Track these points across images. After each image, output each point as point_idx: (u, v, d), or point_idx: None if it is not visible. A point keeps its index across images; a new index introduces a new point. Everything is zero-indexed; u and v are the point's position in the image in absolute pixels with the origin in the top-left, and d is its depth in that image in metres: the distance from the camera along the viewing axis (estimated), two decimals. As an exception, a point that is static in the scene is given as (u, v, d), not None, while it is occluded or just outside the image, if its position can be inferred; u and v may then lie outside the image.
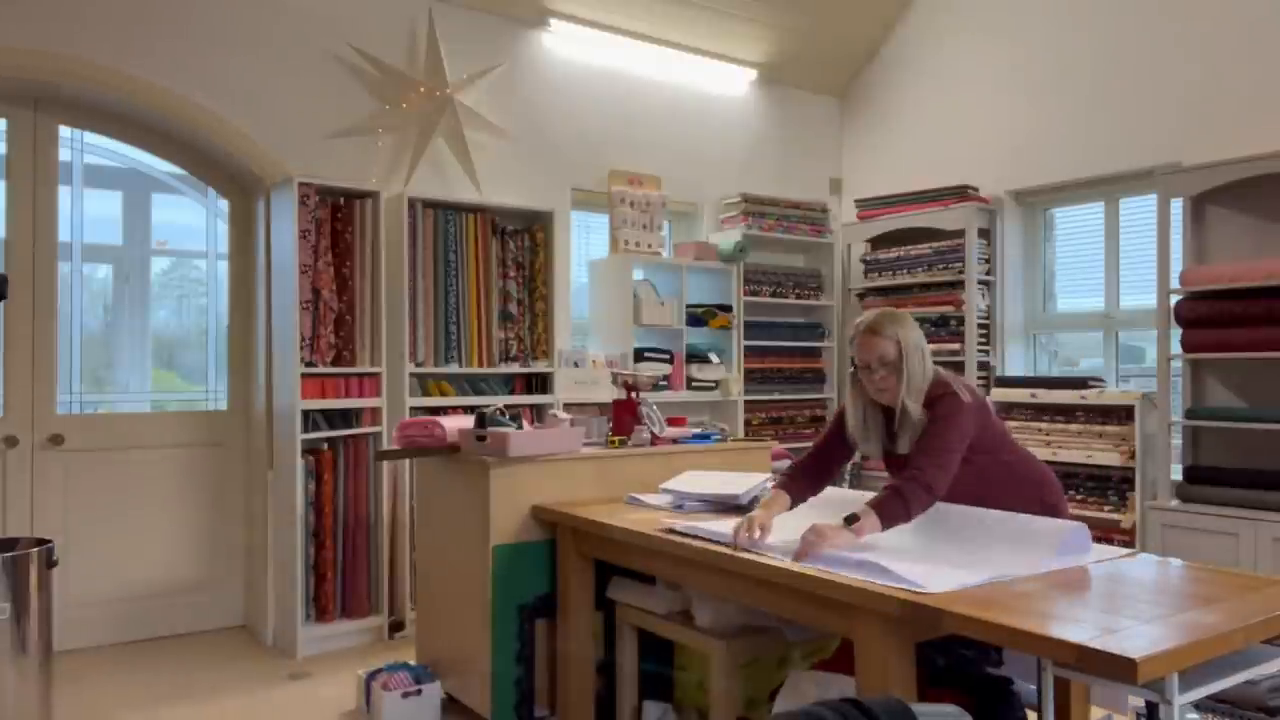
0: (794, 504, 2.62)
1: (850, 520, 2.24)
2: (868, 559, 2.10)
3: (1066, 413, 4.70)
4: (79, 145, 4.21)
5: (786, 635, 2.70)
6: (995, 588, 1.95)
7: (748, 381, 5.62)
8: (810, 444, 5.65)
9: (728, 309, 5.51)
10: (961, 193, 5.32)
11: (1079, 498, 4.59)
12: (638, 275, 5.27)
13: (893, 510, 2.27)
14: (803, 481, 2.67)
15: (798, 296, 5.88)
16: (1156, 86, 4.68)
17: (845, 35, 5.94)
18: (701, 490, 3.02)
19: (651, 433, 3.53)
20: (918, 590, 1.90)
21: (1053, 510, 2.56)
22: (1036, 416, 4.78)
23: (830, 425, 2.77)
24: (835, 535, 2.21)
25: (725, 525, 2.52)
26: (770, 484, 3.02)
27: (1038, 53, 5.21)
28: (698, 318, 5.45)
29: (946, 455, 2.36)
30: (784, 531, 2.38)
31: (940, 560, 2.16)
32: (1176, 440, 4.35)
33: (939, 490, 2.32)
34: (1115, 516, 4.46)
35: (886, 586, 1.94)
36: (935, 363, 2.61)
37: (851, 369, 2.59)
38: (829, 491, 2.77)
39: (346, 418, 4.26)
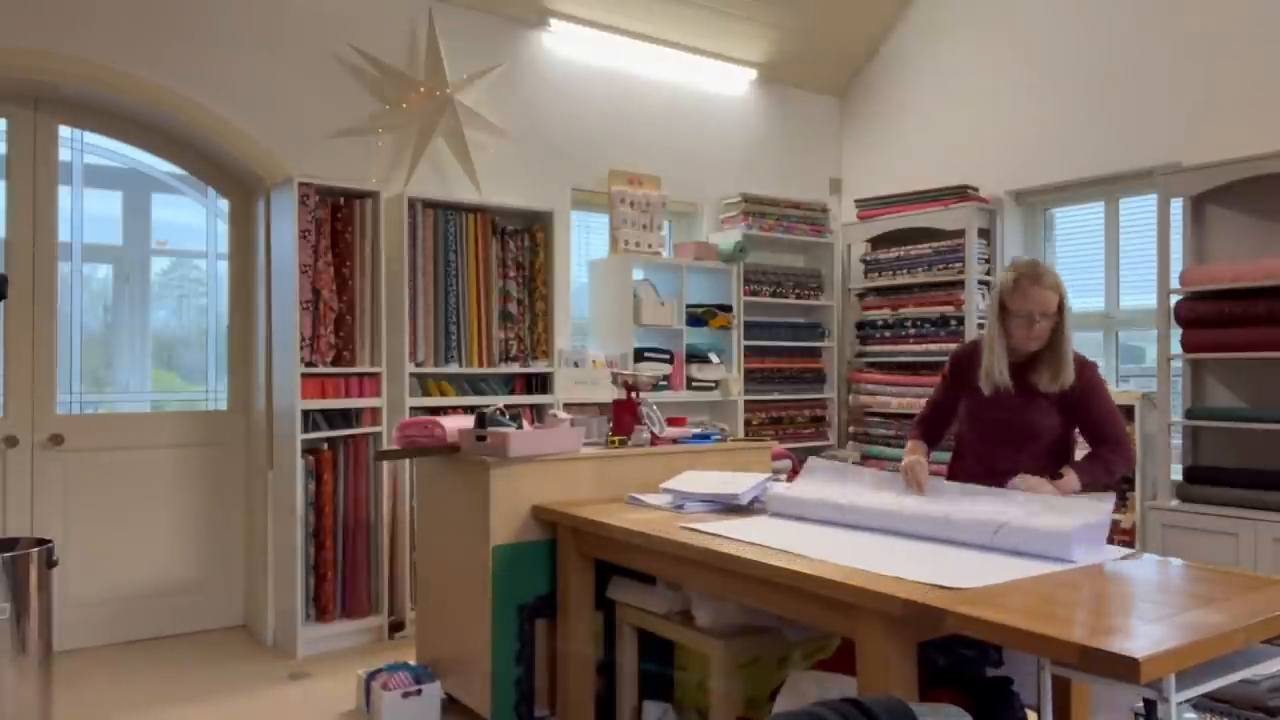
0: (929, 451, 2.90)
1: (1056, 476, 2.58)
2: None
3: (1066, 413, 4.69)
4: (79, 145, 4.21)
5: (786, 635, 2.70)
6: (996, 588, 1.94)
7: (748, 381, 5.62)
8: (809, 444, 5.60)
9: (728, 309, 5.51)
10: (961, 193, 5.32)
11: (1079, 498, 4.58)
12: (638, 275, 5.27)
13: (1096, 472, 2.63)
14: (930, 431, 2.99)
15: (798, 296, 5.88)
16: (1156, 86, 4.68)
17: (845, 35, 5.94)
18: (701, 490, 3.02)
19: (651, 433, 3.53)
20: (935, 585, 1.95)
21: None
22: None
23: (945, 378, 2.97)
24: (1042, 485, 2.51)
25: (739, 527, 2.52)
26: (770, 483, 3.03)
27: (1038, 53, 5.21)
28: (698, 318, 5.45)
29: (1120, 416, 2.74)
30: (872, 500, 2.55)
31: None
32: (1176, 440, 4.35)
33: (1132, 454, 2.78)
34: (1115, 516, 4.46)
35: (888, 587, 1.94)
36: (937, 363, 2.70)
37: (1004, 312, 2.76)
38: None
39: (346, 418, 4.26)
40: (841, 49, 6.04)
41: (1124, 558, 2.24)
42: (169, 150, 4.37)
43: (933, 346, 5.38)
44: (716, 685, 2.61)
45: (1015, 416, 2.75)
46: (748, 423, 5.61)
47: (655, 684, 3.13)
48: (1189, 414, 4.26)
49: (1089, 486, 2.59)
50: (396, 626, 4.32)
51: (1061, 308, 2.72)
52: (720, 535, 2.54)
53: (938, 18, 5.74)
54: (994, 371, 2.77)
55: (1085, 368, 2.73)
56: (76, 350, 4.22)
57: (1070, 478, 2.59)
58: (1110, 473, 2.63)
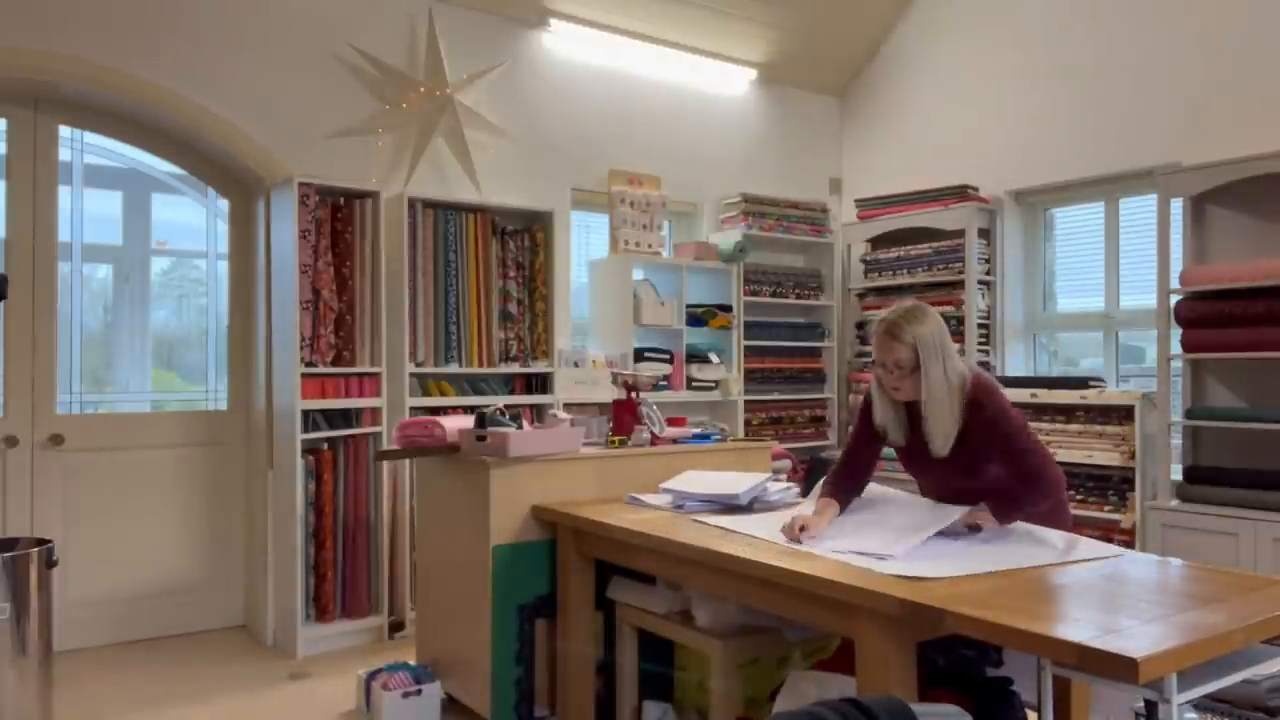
0: (842, 510, 2.65)
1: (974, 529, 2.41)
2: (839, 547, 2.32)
3: (1066, 413, 4.70)
4: (79, 145, 4.21)
5: (786, 635, 2.70)
6: (996, 588, 1.95)
7: (748, 381, 5.62)
8: (809, 444, 5.59)
9: (728, 309, 5.51)
10: (961, 193, 5.32)
11: (1079, 498, 4.59)
12: (638, 275, 5.27)
13: (1006, 512, 2.42)
14: (843, 486, 2.70)
15: (798, 296, 5.88)
16: (1156, 86, 4.68)
17: (845, 35, 5.94)
18: (701, 490, 3.02)
19: (651, 433, 3.53)
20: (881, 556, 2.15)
21: (1061, 505, 2.61)
22: (1036, 416, 4.78)
23: (856, 424, 2.77)
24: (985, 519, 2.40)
25: (744, 522, 2.56)
26: (769, 482, 3.03)
27: (1038, 53, 5.21)
28: (698, 318, 5.45)
29: (1034, 444, 2.45)
30: (845, 538, 2.42)
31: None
32: (1176, 440, 4.35)
33: (1056, 477, 2.43)
34: (1115, 516, 4.46)
35: (887, 586, 1.95)
36: None
37: (872, 361, 2.59)
38: (871, 488, 2.82)
39: (346, 418, 4.26)
40: (841, 49, 6.04)
41: (1123, 558, 2.24)
42: (169, 150, 4.37)
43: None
44: (716, 685, 2.61)
45: (939, 462, 2.54)
46: (748, 423, 5.61)
47: (655, 684, 3.13)
48: (1189, 414, 4.26)
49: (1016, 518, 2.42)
50: (396, 626, 4.32)
51: (919, 363, 2.44)
52: (725, 528, 2.56)
53: (938, 18, 5.74)
54: (881, 424, 2.62)
55: (972, 405, 2.45)
56: (76, 350, 4.22)
57: (985, 519, 2.40)
58: (1020, 509, 2.40)
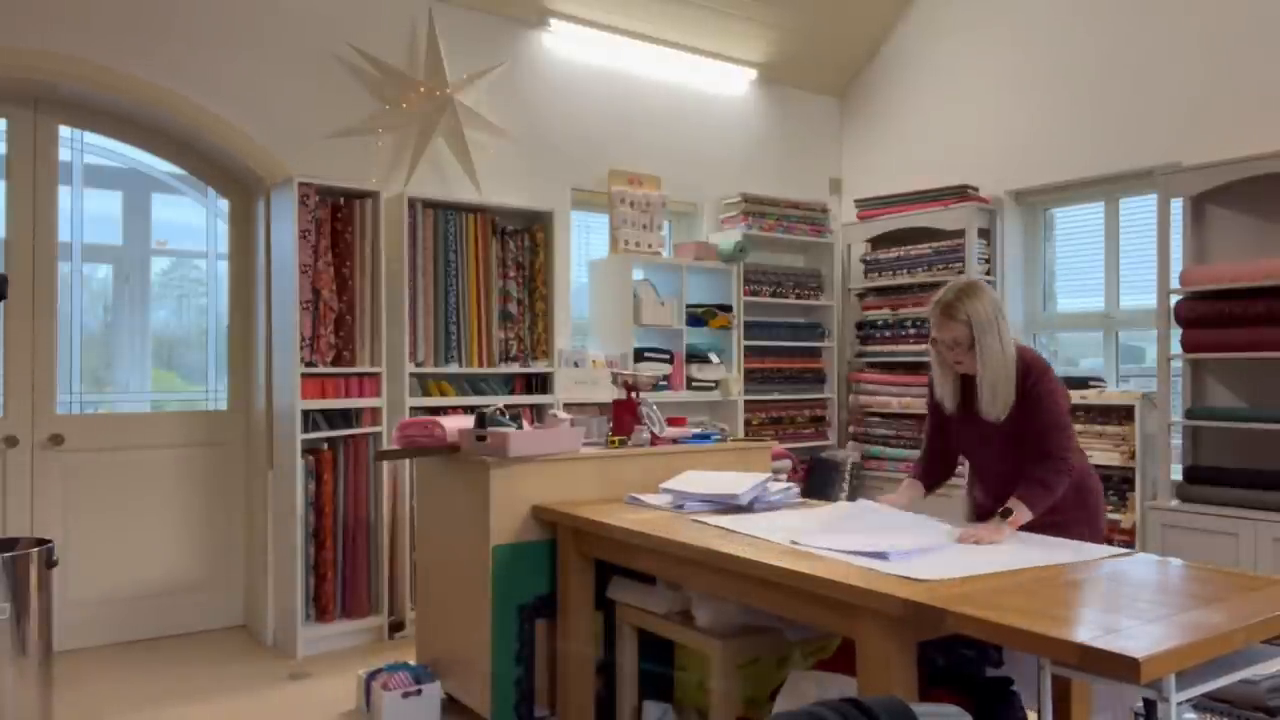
0: (927, 492, 2.85)
1: (1005, 514, 2.46)
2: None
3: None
4: (79, 145, 4.21)
5: (786, 635, 2.70)
6: (997, 588, 1.94)
7: (748, 381, 5.62)
8: (809, 444, 5.60)
9: (728, 309, 5.51)
10: (961, 193, 5.32)
11: (1079, 498, 4.58)
12: (638, 275, 5.27)
13: (1038, 497, 2.48)
14: (929, 469, 2.88)
15: (798, 296, 5.88)
16: (1156, 86, 4.68)
17: (845, 35, 5.94)
18: (701, 490, 3.02)
19: (651, 433, 3.53)
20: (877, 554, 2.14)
21: (1095, 512, 2.71)
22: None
23: (929, 410, 2.89)
24: (993, 532, 2.41)
25: (743, 521, 2.52)
26: (770, 482, 3.03)
27: (1038, 53, 5.21)
28: (698, 318, 5.45)
29: (1068, 431, 2.57)
30: (836, 536, 2.43)
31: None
32: (1176, 440, 4.35)
33: (1073, 464, 2.54)
34: (1115, 516, 4.46)
35: (888, 586, 1.95)
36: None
37: (930, 339, 2.71)
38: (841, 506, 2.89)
39: (346, 418, 4.26)
40: (841, 49, 6.04)
41: (1123, 557, 2.24)
42: (169, 150, 4.37)
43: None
44: (716, 685, 2.61)
45: (990, 431, 2.66)
46: (748, 423, 5.61)
47: (655, 684, 3.13)
48: (1189, 414, 4.26)
49: (1039, 510, 2.49)
50: (396, 626, 4.32)
51: (975, 339, 2.57)
52: (725, 528, 2.56)
53: (938, 18, 5.74)
54: (940, 397, 2.75)
55: (1028, 375, 2.59)
56: (76, 350, 4.22)
57: (1020, 512, 2.47)
58: (1051, 492, 2.50)
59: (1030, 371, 2.59)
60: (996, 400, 2.58)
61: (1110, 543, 2.44)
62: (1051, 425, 2.55)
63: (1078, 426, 4.64)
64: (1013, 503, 2.48)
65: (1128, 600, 1.85)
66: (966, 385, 2.70)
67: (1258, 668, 1.83)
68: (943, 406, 2.76)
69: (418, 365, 4.41)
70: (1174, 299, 4.26)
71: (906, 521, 2.61)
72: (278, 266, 4.21)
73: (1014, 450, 2.63)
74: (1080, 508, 2.66)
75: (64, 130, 4.15)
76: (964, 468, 2.92)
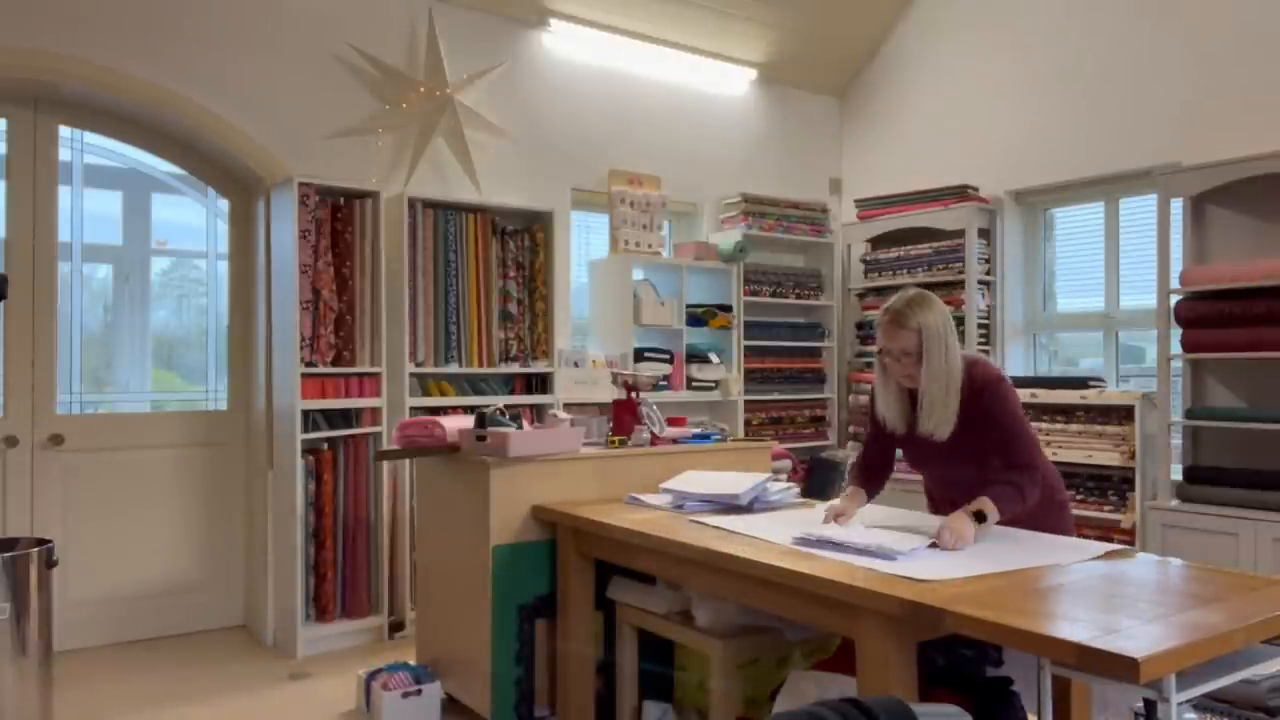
0: (868, 498, 2.78)
1: (980, 517, 2.37)
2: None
3: (1067, 413, 4.70)
4: (79, 145, 4.21)
5: (786, 635, 2.70)
6: (996, 588, 1.95)
7: (748, 381, 5.62)
8: (809, 444, 5.60)
9: (728, 309, 5.51)
10: (961, 193, 5.32)
11: (1079, 498, 4.59)
12: (638, 275, 5.27)
13: (1009, 499, 2.41)
14: (865, 477, 2.80)
15: (798, 296, 5.88)
16: (1156, 86, 4.68)
17: (845, 35, 5.94)
18: (701, 490, 3.02)
19: (651, 433, 3.53)
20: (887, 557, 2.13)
21: (1061, 507, 2.66)
22: (1037, 416, 4.78)
23: (869, 420, 2.81)
24: (963, 526, 2.33)
25: (741, 522, 2.52)
26: (769, 482, 3.03)
27: (1038, 53, 5.21)
28: (698, 318, 5.45)
29: (1030, 439, 2.51)
30: (857, 532, 2.44)
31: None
32: (1176, 440, 4.35)
33: (1043, 472, 2.51)
34: (1115, 516, 4.46)
35: (888, 587, 1.95)
36: None
37: (877, 350, 2.61)
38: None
39: (346, 418, 4.26)
40: (841, 49, 6.04)
41: (1123, 557, 2.24)
42: (169, 150, 4.37)
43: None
44: (716, 685, 2.61)
45: (939, 450, 2.57)
46: (748, 423, 5.61)
47: (655, 684, 3.13)
48: (1189, 414, 4.26)
49: (1007, 514, 2.42)
50: (396, 626, 4.32)
51: (923, 350, 2.47)
52: (725, 528, 2.56)
53: (938, 18, 5.74)
54: (882, 414, 2.65)
55: (981, 395, 2.50)
56: (76, 350, 4.22)
57: (991, 515, 2.38)
58: (1024, 500, 2.43)
59: (983, 392, 2.50)
60: (933, 415, 2.49)
61: (1111, 543, 2.44)
62: (1012, 435, 2.48)
63: (1077, 427, 4.64)
64: (983, 502, 2.38)
65: (1127, 600, 1.85)
66: (913, 400, 2.59)
67: (1258, 668, 1.83)
68: (885, 423, 2.67)
69: (418, 365, 4.41)
70: (1174, 299, 4.26)
71: (909, 521, 2.60)
72: (278, 266, 4.21)
73: (966, 462, 2.56)
74: (1049, 516, 2.60)
75: (64, 130, 4.15)
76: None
